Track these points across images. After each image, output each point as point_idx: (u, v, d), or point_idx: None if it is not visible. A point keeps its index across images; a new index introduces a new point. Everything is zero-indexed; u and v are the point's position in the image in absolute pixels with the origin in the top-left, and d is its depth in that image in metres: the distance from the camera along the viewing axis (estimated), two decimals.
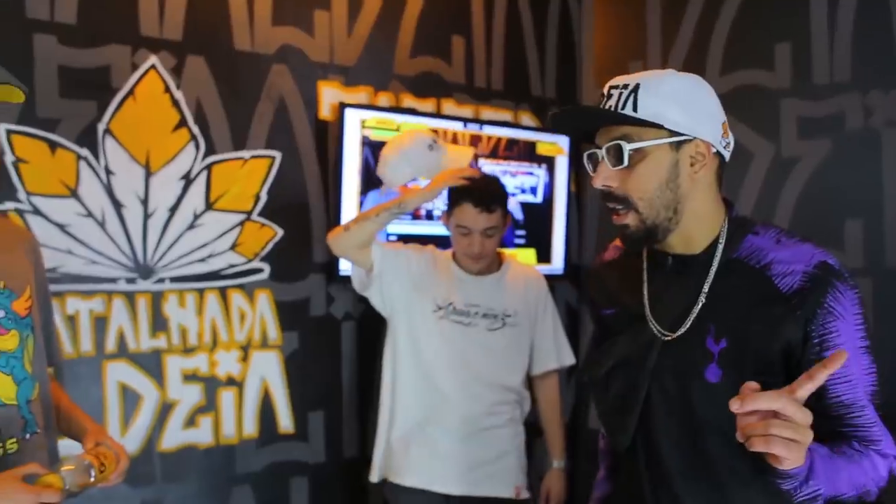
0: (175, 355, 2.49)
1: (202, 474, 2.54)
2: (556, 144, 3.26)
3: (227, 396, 2.59)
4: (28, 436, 1.52)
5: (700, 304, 1.27)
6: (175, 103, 2.49)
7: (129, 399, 2.42)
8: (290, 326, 2.71)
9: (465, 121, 3.05)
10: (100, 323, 2.37)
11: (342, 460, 2.83)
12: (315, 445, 2.77)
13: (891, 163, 2.51)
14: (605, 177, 1.26)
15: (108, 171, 2.37)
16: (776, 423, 1.00)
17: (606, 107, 1.26)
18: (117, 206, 2.39)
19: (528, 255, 3.20)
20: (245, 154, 2.62)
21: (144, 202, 2.44)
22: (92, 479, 1.46)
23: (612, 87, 1.27)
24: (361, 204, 2.73)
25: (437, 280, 2.36)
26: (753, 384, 1.03)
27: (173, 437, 2.48)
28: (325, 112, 2.78)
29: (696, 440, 1.27)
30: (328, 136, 2.77)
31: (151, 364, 2.45)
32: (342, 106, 2.71)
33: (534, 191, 3.22)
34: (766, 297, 1.22)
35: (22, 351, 1.53)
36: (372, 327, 2.74)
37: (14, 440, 1.50)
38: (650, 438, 1.32)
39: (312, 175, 2.76)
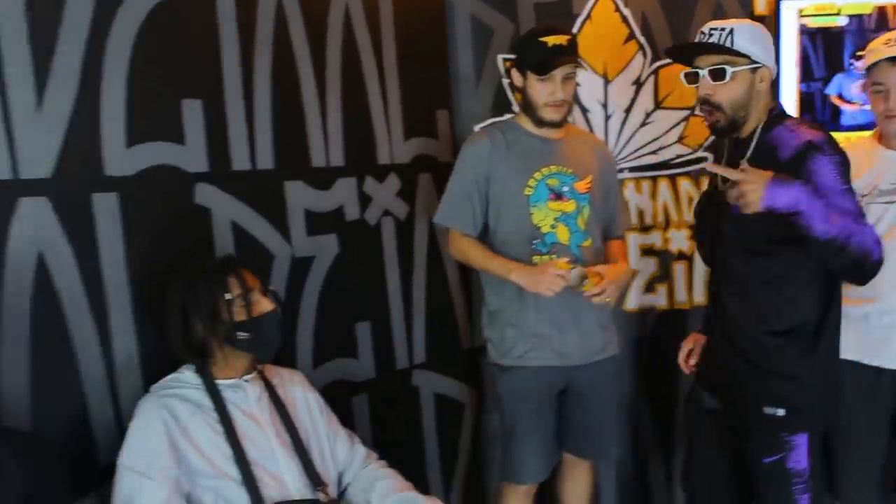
0: (634, 233, 2.98)
1: (660, 334, 3.01)
2: None
3: (678, 268, 3.00)
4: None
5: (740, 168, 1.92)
6: (624, 19, 2.92)
7: None
8: None
9: None
10: None
11: None
12: None
13: None
14: (707, 88, 1.95)
15: (576, 84, 2.90)
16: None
17: (709, 41, 1.94)
18: (584, 111, 2.92)
19: None
20: None
21: (604, 106, 2.93)
22: (575, 284, 2.17)
23: (712, 29, 1.95)
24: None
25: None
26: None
27: (636, 299, 2.99)
28: (760, 7, 2.96)
29: (729, 254, 2.02)
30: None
31: None
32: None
33: None
34: (773, 164, 1.84)
35: (577, 214, 2.27)
36: None
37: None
38: (716, 256, 2.09)
39: None
